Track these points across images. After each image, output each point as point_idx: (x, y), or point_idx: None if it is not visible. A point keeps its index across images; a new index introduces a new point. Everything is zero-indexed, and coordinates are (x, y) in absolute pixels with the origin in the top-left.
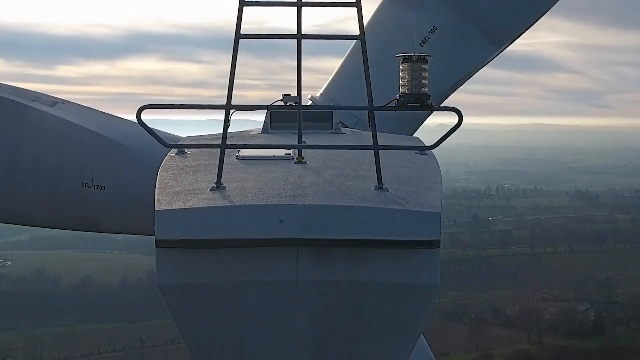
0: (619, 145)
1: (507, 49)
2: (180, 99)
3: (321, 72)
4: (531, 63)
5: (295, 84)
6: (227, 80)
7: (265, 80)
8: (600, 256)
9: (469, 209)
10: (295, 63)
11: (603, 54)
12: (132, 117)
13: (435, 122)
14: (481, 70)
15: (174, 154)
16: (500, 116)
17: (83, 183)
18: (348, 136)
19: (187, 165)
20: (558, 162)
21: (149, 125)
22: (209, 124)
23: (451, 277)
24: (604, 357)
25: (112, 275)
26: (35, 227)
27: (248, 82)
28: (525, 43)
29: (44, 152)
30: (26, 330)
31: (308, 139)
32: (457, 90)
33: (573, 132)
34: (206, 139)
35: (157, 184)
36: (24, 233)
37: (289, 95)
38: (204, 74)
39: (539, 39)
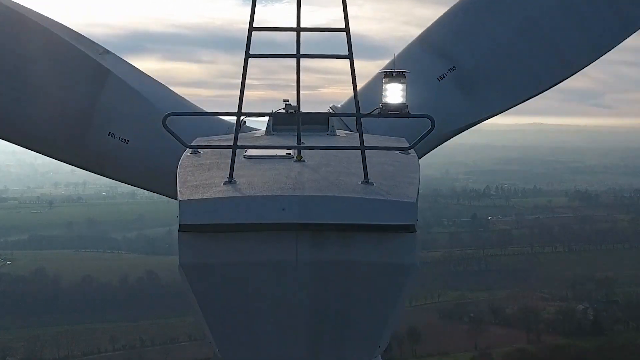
0: (619, 145)
1: None
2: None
3: (321, 72)
4: None
5: (295, 91)
6: (227, 81)
7: (265, 80)
8: (599, 256)
9: (469, 209)
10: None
11: None
12: None
13: None
14: None
15: (189, 154)
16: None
17: (109, 132)
18: (342, 138)
19: (202, 163)
20: (557, 161)
21: None
22: None
23: (450, 277)
24: (603, 356)
25: (112, 275)
26: (35, 227)
27: (249, 81)
28: None
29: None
30: (26, 330)
31: (306, 141)
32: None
33: (572, 132)
34: (216, 140)
35: (177, 179)
36: (24, 233)
37: (288, 100)
38: (204, 73)
39: None
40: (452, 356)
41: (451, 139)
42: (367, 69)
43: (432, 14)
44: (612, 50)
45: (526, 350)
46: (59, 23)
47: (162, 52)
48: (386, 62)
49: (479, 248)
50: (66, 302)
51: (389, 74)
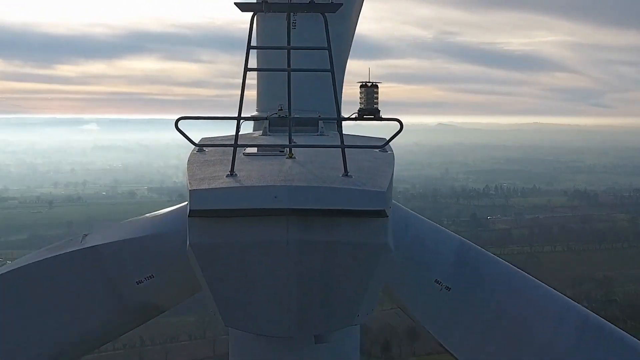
0: (618, 144)
1: (506, 47)
2: (180, 98)
3: None
4: (530, 62)
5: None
6: (226, 80)
7: None
8: (598, 255)
9: (468, 208)
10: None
11: (602, 53)
12: (133, 117)
13: (435, 122)
14: (481, 69)
15: (195, 151)
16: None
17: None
18: (329, 138)
19: (207, 160)
20: (557, 161)
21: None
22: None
23: None
24: None
25: None
26: (34, 227)
27: (248, 81)
28: (523, 42)
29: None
30: None
31: (298, 140)
32: (457, 90)
33: (572, 132)
34: (219, 140)
35: (187, 172)
36: (24, 232)
37: (281, 105)
38: (203, 73)
39: (537, 38)
40: (451, 355)
41: (450, 139)
42: (366, 68)
43: (431, 13)
44: (612, 49)
45: None
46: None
47: (161, 52)
48: (385, 61)
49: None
50: None
51: (365, 85)
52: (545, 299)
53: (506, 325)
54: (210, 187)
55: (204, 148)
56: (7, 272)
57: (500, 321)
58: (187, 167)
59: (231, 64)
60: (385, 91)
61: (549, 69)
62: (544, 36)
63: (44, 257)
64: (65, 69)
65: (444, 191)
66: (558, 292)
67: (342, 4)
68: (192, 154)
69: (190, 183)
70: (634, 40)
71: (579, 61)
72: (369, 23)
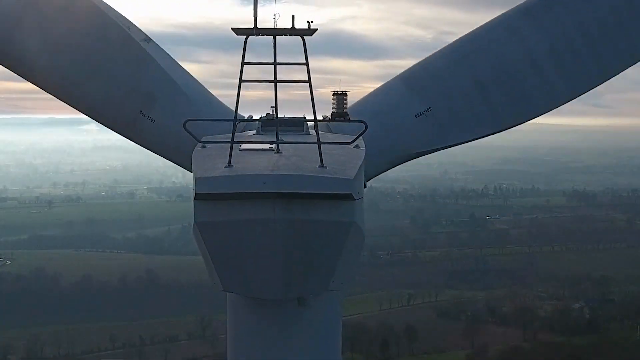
0: (617, 145)
1: None
2: None
3: (319, 72)
4: None
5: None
6: (226, 81)
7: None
8: (596, 255)
9: (467, 208)
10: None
11: None
12: None
13: None
14: None
15: (199, 147)
16: None
17: (141, 112)
18: (312, 137)
19: (209, 154)
20: (555, 161)
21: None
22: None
23: (448, 276)
24: (597, 354)
25: (112, 274)
26: (34, 227)
27: (248, 83)
28: None
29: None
30: (27, 329)
31: (284, 138)
32: None
33: (571, 132)
34: (219, 138)
35: (193, 164)
36: (24, 232)
37: (272, 110)
38: (202, 73)
39: None
40: (449, 354)
41: None
42: (365, 69)
43: (430, 14)
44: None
45: (521, 348)
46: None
47: None
48: (384, 61)
49: (477, 247)
50: (66, 301)
51: (336, 93)
52: None
53: None
54: (212, 175)
55: (206, 144)
56: None
57: None
58: (193, 160)
59: (231, 65)
60: None
61: None
62: None
63: None
64: None
65: (443, 191)
66: None
67: (317, 29)
68: (196, 150)
69: (195, 172)
70: None
71: None
72: (369, 23)
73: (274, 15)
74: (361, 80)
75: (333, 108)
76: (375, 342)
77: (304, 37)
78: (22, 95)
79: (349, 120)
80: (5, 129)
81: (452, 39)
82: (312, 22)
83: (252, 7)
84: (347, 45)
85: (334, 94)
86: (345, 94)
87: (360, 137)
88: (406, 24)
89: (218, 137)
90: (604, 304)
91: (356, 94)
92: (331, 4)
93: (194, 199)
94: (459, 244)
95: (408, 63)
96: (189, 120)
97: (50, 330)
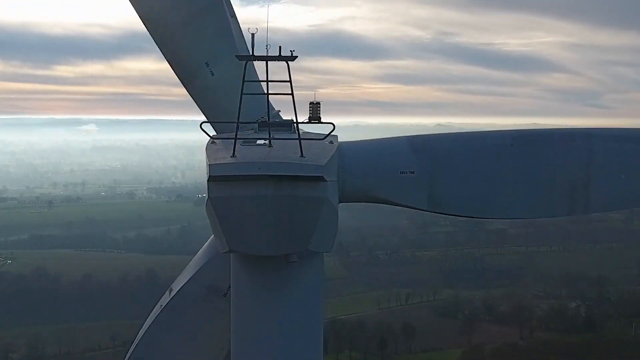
0: None
1: (504, 48)
2: (178, 98)
3: (319, 72)
4: (528, 63)
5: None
6: None
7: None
8: (593, 254)
9: None
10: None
11: (600, 54)
12: (131, 117)
13: (433, 122)
14: (479, 70)
15: (210, 143)
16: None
17: (207, 63)
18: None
19: (218, 148)
20: None
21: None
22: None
23: (446, 276)
24: (593, 352)
25: (112, 274)
26: (34, 227)
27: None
28: (521, 43)
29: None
30: (28, 328)
31: (275, 135)
32: (455, 91)
33: None
34: (226, 135)
35: (206, 155)
36: (24, 232)
37: (265, 115)
38: None
39: (535, 39)
40: (447, 352)
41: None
42: (365, 69)
43: (429, 14)
44: (610, 50)
45: (517, 345)
46: None
47: (159, 52)
48: (384, 62)
49: (474, 247)
50: (67, 300)
51: (312, 103)
52: None
53: None
54: (221, 162)
55: (216, 140)
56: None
57: None
58: (206, 152)
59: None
60: (383, 92)
61: (547, 70)
62: (542, 37)
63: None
64: (63, 70)
65: None
66: None
67: (297, 56)
68: (208, 144)
69: (209, 160)
70: (632, 41)
71: (577, 62)
72: (367, 24)
73: (267, 45)
74: (359, 80)
75: (310, 114)
76: (373, 341)
77: (288, 62)
78: (21, 95)
79: (322, 122)
80: (5, 129)
81: (450, 39)
82: (294, 51)
83: (252, 7)
84: (346, 46)
85: (310, 104)
86: (319, 104)
87: (336, 136)
88: (405, 24)
89: (224, 135)
90: (600, 303)
91: (356, 93)
92: (330, 4)
93: (208, 180)
94: (456, 244)
95: (406, 63)
96: (204, 122)
97: (51, 329)
